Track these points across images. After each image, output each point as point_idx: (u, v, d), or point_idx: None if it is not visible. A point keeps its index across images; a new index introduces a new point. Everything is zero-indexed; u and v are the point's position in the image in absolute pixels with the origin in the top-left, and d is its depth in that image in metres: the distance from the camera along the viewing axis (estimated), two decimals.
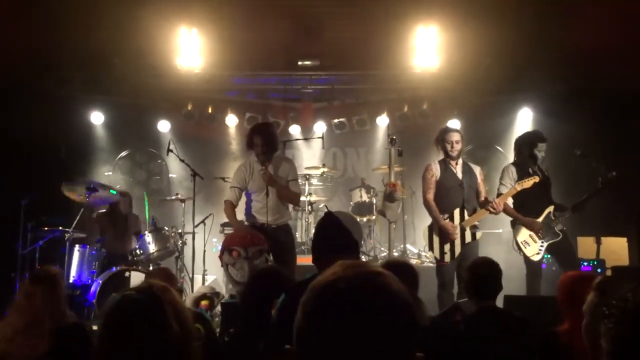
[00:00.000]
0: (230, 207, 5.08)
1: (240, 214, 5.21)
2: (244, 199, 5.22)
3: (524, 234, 5.19)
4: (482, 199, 5.16)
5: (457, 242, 5.00)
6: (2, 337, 2.49)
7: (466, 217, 5.04)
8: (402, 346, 0.90)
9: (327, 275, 0.94)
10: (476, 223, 5.09)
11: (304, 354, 0.92)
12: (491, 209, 4.98)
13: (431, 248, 5.14)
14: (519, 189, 5.04)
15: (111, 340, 1.46)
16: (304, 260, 5.61)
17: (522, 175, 5.17)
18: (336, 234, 2.93)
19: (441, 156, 5.20)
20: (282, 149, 5.61)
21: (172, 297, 1.52)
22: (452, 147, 5.09)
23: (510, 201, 5.23)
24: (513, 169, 5.27)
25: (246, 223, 5.12)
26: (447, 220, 5.02)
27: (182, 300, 1.60)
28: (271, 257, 4.45)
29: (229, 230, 6.30)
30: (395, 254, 6.57)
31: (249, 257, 4.24)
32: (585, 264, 5.76)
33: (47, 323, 2.52)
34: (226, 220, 6.18)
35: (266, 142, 4.99)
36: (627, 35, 5.91)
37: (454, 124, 7.10)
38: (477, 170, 5.22)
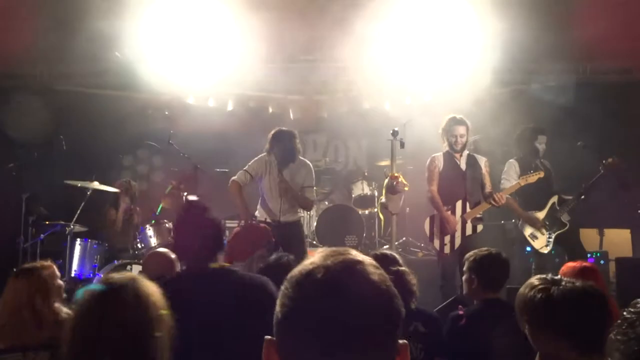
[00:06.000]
0: (238, 187, 5.17)
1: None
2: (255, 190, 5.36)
3: (531, 227, 5.16)
4: (487, 191, 5.08)
5: (458, 234, 4.97)
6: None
7: (468, 209, 5.00)
8: (383, 334, 0.89)
9: (305, 265, 0.93)
10: (479, 215, 5.05)
11: (284, 344, 0.91)
12: (493, 202, 4.92)
13: (432, 239, 5.13)
14: (523, 184, 5.00)
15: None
16: (311, 253, 5.61)
17: (525, 169, 5.13)
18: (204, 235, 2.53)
19: (446, 148, 5.16)
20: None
21: (122, 298, 1.52)
22: (456, 140, 5.04)
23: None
24: (516, 164, 5.23)
25: (257, 214, 5.23)
26: (449, 213, 4.99)
27: (141, 293, 1.56)
28: (280, 250, 4.44)
29: (230, 224, 6.26)
30: (398, 247, 6.55)
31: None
32: (589, 255, 5.73)
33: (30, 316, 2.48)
34: (228, 214, 6.18)
35: (285, 153, 5.16)
36: (631, 26, 5.85)
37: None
38: (482, 161, 5.16)
